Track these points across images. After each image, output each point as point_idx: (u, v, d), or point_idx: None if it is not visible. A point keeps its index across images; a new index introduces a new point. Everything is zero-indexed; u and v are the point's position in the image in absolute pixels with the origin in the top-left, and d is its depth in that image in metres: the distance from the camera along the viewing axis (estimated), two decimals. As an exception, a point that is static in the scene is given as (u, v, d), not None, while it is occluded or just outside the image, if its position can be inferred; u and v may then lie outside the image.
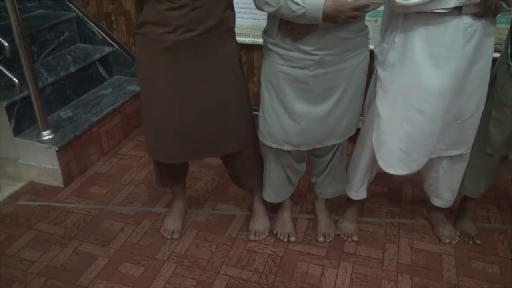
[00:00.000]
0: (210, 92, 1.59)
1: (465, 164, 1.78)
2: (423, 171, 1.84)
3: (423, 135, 1.61)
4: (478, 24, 1.46)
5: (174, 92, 1.56)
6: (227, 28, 1.57)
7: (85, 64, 2.64)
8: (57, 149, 2.16)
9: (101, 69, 2.79)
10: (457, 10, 1.43)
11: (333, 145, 1.73)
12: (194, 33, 1.47)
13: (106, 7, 2.75)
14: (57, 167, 2.20)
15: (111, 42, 2.82)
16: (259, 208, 1.95)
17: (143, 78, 1.62)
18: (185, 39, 1.47)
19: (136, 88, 2.74)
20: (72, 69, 2.53)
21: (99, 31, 2.81)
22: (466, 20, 1.44)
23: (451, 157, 1.74)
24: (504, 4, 1.42)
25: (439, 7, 1.42)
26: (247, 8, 2.23)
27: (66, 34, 2.77)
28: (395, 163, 1.68)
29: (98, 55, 2.72)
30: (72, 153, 2.27)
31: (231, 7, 1.59)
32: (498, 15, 1.50)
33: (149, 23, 1.48)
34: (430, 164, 1.77)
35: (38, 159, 2.22)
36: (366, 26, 1.57)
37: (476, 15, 1.44)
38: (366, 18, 1.60)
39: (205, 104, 1.60)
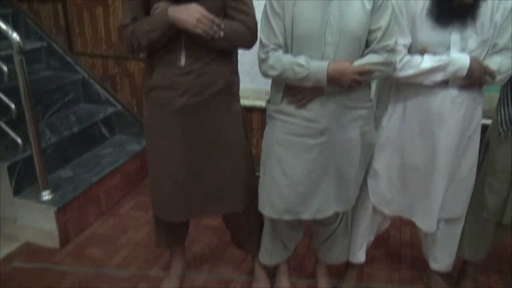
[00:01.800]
0: (215, 153, 1.67)
1: (461, 226, 1.81)
2: (422, 234, 1.87)
3: (419, 190, 1.70)
4: (465, 95, 1.56)
5: (180, 152, 1.64)
6: (232, 92, 1.67)
7: (88, 124, 2.73)
8: (55, 209, 2.18)
9: (103, 129, 2.88)
10: (444, 83, 1.54)
11: (338, 214, 1.73)
12: (201, 97, 1.58)
13: (111, 70, 2.89)
14: (54, 228, 2.21)
15: (115, 102, 2.93)
16: (260, 272, 1.95)
17: (151, 140, 1.70)
18: (192, 103, 1.58)
19: (136, 147, 2.82)
20: (75, 129, 2.62)
21: (104, 92, 2.93)
22: (453, 91, 1.55)
23: (447, 220, 1.78)
24: (488, 77, 1.53)
25: (427, 80, 1.54)
26: (247, 72, 2.36)
27: (71, 95, 2.89)
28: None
29: (101, 115, 2.82)
30: (70, 214, 2.29)
31: (236, 72, 1.70)
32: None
33: (158, 88, 1.60)
34: None
35: (36, 220, 2.24)
36: (371, 100, 1.63)
37: (462, 87, 1.55)
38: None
39: (209, 165, 1.68)
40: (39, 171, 2.24)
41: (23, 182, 2.31)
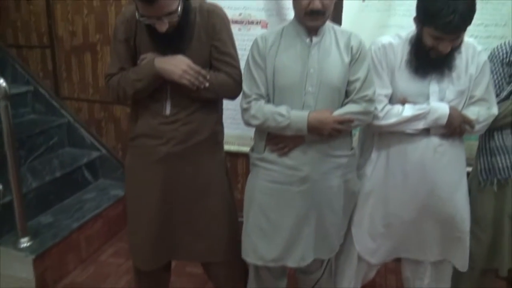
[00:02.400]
0: (196, 202, 1.66)
1: (449, 271, 1.79)
2: (410, 282, 1.85)
3: (402, 236, 1.70)
4: (447, 144, 1.59)
5: (160, 199, 1.62)
6: (216, 141, 1.69)
7: (71, 168, 2.70)
8: (33, 257, 2.12)
9: (86, 173, 2.85)
10: (426, 131, 1.58)
11: (322, 262, 1.73)
12: (185, 145, 1.59)
13: (97, 114, 2.90)
14: (31, 276, 2.13)
15: (99, 146, 2.92)
16: None
17: (131, 186, 1.69)
18: (176, 151, 1.58)
19: (120, 192, 2.78)
20: (57, 174, 2.59)
21: (89, 136, 2.92)
22: (435, 140, 1.58)
23: (435, 264, 1.76)
24: (467, 127, 1.57)
25: (408, 129, 1.58)
26: (232, 118, 2.40)
27: (56, 138, 2.87)
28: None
29: (85, 160, 2.80)
30: (49, 261, 2.21)
31: (220, 122, 1.73)
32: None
33: (142, 136, 1.61)
34: (415, 272, 1.80)
35: (14, 268, 2.15)
36: (353, 148, 1.66)
37: (444, 136, 1.58)
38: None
39: (189, 213, 1.66)
40: (18, 218, 2.19)
41: (2, 228, 2.24)
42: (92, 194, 2.77)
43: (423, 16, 1.49)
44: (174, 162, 1.59)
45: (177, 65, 1.48)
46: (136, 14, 1.44)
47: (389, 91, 1.60)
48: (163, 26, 1.42)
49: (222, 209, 1.71)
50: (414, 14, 1.55)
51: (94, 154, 2.89)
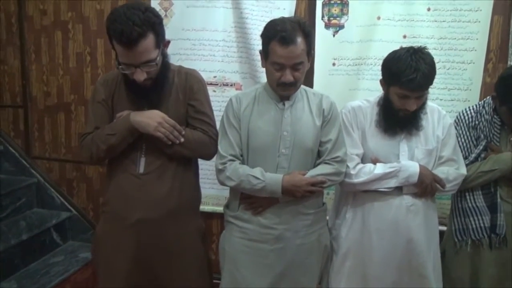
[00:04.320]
0: (171, 272, 1.59)
1: None
2: None
3: None
4: (420, 203, 1.61)
5: (134, 269, 1.56)
6: (192, 207, 1.66)
7: (39, 230, 2.59)
8: (-9, 330, 1.98)
9: (55, 235, 2.73)
10: (399, 190, 1.60)
11: None
12: (158, 211, 1.54)
13: (69, 174, 2.84)
14: None
15: (70, 207, 2.83)
16: None
17: (102, 254, 1.61)
18: (149, 217, 1.53)
19: (89, 255, 2.66)
20: (24, 237, 2.47)
21: (59, 196, 2.84)
22: (407, 199, 1.60)
23: None
24: (438, 186, 1.60)
25: (381, 187, 1.60)
26: (207, 178, 2.38)
27: (24, 199, 2.77)
28: None
29: (54, 221, 2.70)
30: (8, 334, 2.07)
31: (197, 186, 1.71)
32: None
33: (114, 200, 1.56)
34: None
35: None
36: (324, 203, 1.69)
37: (416, 195, 1.61)
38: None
39: (162, 283, 1.60)
40: (-22, 285, 2.05)
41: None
42: (60, 257, 2.64)
43: (388, 76, 1.57)
44: (147, 229, 1.54)
45: (152, 118, 1.48)
46: (116, 65, 1.46)
47: (360, 151, 1.65)
48: (141, 75, 1.43)
49: (197, 279, 1.66)
50: (380, 77, 1.63)
51: (64, 215, 2.79)
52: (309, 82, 2.21)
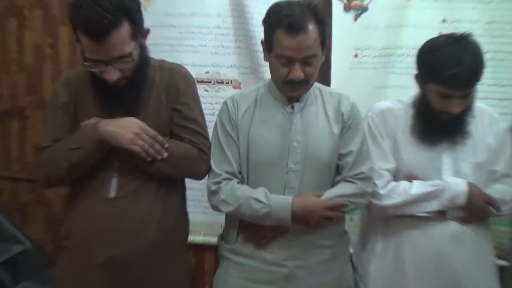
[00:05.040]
0: None
1: None
2: None
3: None
4: (468, 231, 1.59)
5: None
6: (177, 240, 1.64)
7: (-17, 269, 2.59)
8: None
9: (3, 275, 2.71)
10: (442, 215, 1.59)
11: None
12: (134, 246, 1.51)
13: (22, 196, 2.82)
14: None
15: (23, 239, 2.81)
16: None
17: None
18: (122, 254, 1.50)
19: (48, 300, 2.65)
20: (-36, 278, 2.47)
21: (9, 225, 2.82)
22: (453, 226, 1.59)
23: None
24: (492, 209, 1.59)
25: (419, 211, 1.59)
26: (198, 201, 2.37)
27: (-35, 229, 2.77)
28: None
29: (2, 257, 2.68)
30: None
31: (182, 213, 1.69)
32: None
33: (78, 232, 1.53)
34: None
35: None
36: (346, 232, 1.68)
37: (463, 221, 1.59)
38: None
39: None
40: None
41: None
42: (10, 303, 2.63)
43: (425, 70, 1.57)
44: (119, 269, 1.50)
45: (128, 128, 1.47)
46: (82, 62, 1.44)
47: (391, 165, 1.64)
48: (113, 74, 1.42)
49: None
50: (414, 72, 1.63)
51: (16, 249, 2.77)
52: (325, 79, 2.21)
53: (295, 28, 1.41)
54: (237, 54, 2.39)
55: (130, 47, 1.42)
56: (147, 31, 1.54)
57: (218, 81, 2.42)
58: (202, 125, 1.63)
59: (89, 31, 1.35)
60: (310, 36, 1.42)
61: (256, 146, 1.54)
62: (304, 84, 1.50)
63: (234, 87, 2.40)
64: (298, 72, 1.45)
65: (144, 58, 1.53)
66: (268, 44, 1.49)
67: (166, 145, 1.52)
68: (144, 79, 1.53)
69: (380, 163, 1.62)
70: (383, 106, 1.69)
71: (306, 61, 1.45)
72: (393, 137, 1.65)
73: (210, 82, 2.43)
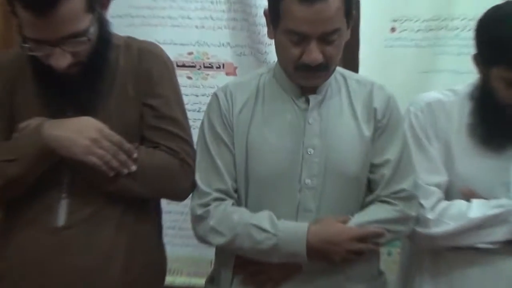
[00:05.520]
0: None
1: None
2: None
3: None
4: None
5: None
6: (149, 281, 1.64)
7: None
8: None
9: None
10: (511, 246, 1.57)
11: None
12: None
13: None
14: None
15: None
16: None
17: None
18: None
19: None
20: None
21: None
22: (527, 263, 1.58)
23: None
24: None
25: (481, 241, 1.57)
26: (179, 228, 2.37)
27: None
28: None
29: None
30: None
31: (158, 247, 1.69)
32: None
33: (16, 270, 1.51)
34: None
35: None
36: (382, 272, 1.67)
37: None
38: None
39: None
40: None
41: None
42: None
43: (488, 50, 1.56)
44: None
45: (82, 132, 1.45)
46: (20, 43, 1.43)
47: (442, 177, 1.63)
48: (62, 60, 1.41)
49: None
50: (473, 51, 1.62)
51: None
52: (351, 63, 2.22)
53: None
54: (231, 29, 2.41)
55: (85, 22, 1.41)
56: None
57: (206, 65, 2.43)
58: (184, 126, 1.62)
59: (29, 2, 1.33)
60: (331, 5, 1.41)
61: (258, 154, 1.54)
62: (323, 70, 1.49)
63: (227, 74, 2.42)
64: (315, 54, 1.44)
65: (104, 36, 1.52)
66: (274, 15, 1.48)
67: (135, 155, 1.51)
68: (104, 64, 1.53)
69: (427, 176, 1.61)
70: (430, 99, 1.68)
71: (325, 39, 1.44)
72: (444, 140, 1.64)
73: (194, 66, 2.43)
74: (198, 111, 2.16)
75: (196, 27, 2.41)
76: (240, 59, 2.41)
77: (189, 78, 2.41)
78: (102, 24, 1.51)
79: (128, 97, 1.57)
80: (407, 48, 2.26)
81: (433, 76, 2.23)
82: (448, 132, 1.64)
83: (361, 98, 1.58)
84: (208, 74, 2.43)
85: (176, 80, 1.67)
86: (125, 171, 1.50)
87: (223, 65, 2.43)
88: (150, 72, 1.59)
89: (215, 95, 1.61)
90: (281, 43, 1.49)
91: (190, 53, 2.43)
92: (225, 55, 2.42)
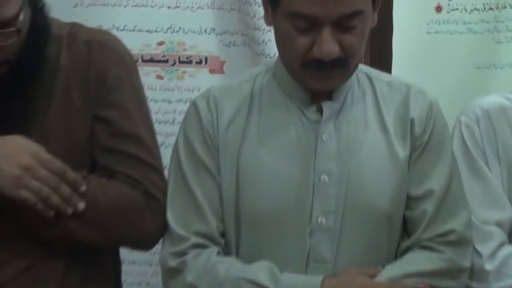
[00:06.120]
0: None
1: None
2: None
3: None
4: None
5: None
6: None
7: None
8: None
9: None
10: None
11: None
12: None
13: None
14: None
15: None
16: None
17: None
18: None
19: None
20: None
21: None
22: None
23: None
24: None
25: None
26: (146, 284, 2.37)
27: None
28: None
29: None
30: None
31: None
32: None
33: None
34: None
35: None
36: None
37: None
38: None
39: None
40: None
41: None
42: None
43: None
44: None
45: (10, 157, 1.45)
46: None
47: (506, 213, 1.66)
48: None
49: None
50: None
51: None
52: (381, 57, 2.24)
53: None
54: (216, 9, 2.43)
55: (11, 7, 1.44)
56: None
57: (183, 59, 2.45)
58: (150, 146, 1.64)
59: None
60: None
61: (253, 184, 1.54)
62: (340, 67, 1.48)
63: (212, 71, 2.43)
64: (328, 45, 1.42)
65: (39, 25, 1.54)
66: None
67: (83, 188, 1.52)
68: (40, 63, 1.54)
69: (485, 212, 1.63)
70: (489, 105, 1.71)
71: (343, 24, 1.43)
72: (508, 162, 1.67)
73: (167, 61, 2.44)
74: (172, 123, 2.18)
75: (168, 7, 2.42)
76: (228, 50, 2.43)
77: (160, 77, 2.40)
78: (37, 8, 1.53)
79: (73, 108, 1.57)
80: (457, 34, 2.28)
81: (493, 73, 2.24)
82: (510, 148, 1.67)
83: (394, 106, 1.59)
84: (185, 72, 2.43)
85: (140, 83, 1.68)
86: (70, 210, 1.49)
87: (206, 59, 2.44)
88: (103, 74, 1.59)
89: (194, 104, 1.62)
90: (283, 31, 1.48)
91: (161, 43, 2.43)
92: (208, 46, 2.44)
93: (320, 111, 1.56)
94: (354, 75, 1.58)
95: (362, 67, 1.64)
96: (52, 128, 1.56)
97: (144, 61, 2.16)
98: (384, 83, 1.64)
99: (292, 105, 1.59)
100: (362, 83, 1.62)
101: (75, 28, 1.65)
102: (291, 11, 1.43)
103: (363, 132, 1.57)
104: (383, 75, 1.68)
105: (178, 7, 2.44)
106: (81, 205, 1.51)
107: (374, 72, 1.67)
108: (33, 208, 1.46)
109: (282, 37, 1.51)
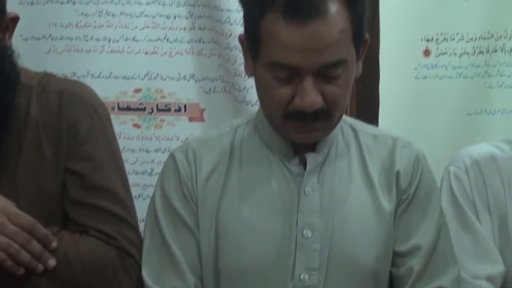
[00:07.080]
0: None
1: None
2: None
3: None
4: None
5: None
6: None
7: None
8: None
9: None
10: None
11: None
12: None
13: None
14: None
15: None
16: None
17: None
18: None
19: None
20: None
21: None
22: None
23: None
24: None
25: None
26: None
27: None
28: None
29: None
30: None
31: None
32: None
33: None
34: None
35: None
36: None
37: None
38: None
39: None
40: None
41: None
42: None
43: None
44: None
45: None
46: None
47: (497, 267, 1.67)
48: None
49: None
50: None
51: None
52: (367, 106, 2.24)
53: (301, 9, 1.41)
54: (195, 54, 2.45)
55: None
56: (14, 18, 1.58)
57: (161, 107, 2.46)
58: (124, 200, 1.64)
59: None
60: (331, 25, 1.42)
61: (233, 240, 1.55)
62: (323, 119, 1.49)
63: (191, 119, 2.44)
64: (310, 95, 1.43)
65: (7, 74, 1.55)
66: (253, 41, 1.50)
67: (54, 244, 1.52)
68: (8, 114, 1.55)
69: (475, 266, 1.65)
70: (478, 155, 1.73)
71: (325, 74, 1.44)
72: (498, 214, 1.69)
73: (144, 109, 2.45)
74: (150, 174, 2.18)
75: (146, 52, 2.44)
76: (208, 97, 2.44)
77: (137, 126, 2.41)
78: (5, 55, 1.53)
79: (44, 160, 1.58)
80: (447, 79, 2.31)
81: (485, 119, 2.26)
82: (504, 201, 1.69)
83: (379, 159, 1.61)
84: (163, 120, 2.43)
85: (113, 135, 1.70)
86: (40, 267, 1.49)
87: (185, 106, 2.45)
88: (75, 125, 1.60)
89: (172, 157, 1.63)
90: (264, 82, 1.49)
91: (138, 90, 2.44)
92: (187, 93, 2.45)
93: (303, 163, 1.57)
94: (338, 126, 1.58)
95: (347, 118, 1.65)
96: (22, 181, 1.56)
97: (120, 109, 2.16)
98: (370, 136, 1.65)
99: (274, 158, 1.59)
100: (346, 135, 1.63)
101: (46, 78, 1.66)
102: (272, 61, 1.44)
103: (348, 185, 1.58)
104: (369, 127, 1.69)
105: (155, 52, 2.46)
106: (52, 262, 1.51)
107: (359, 124, 1.68)
108: (2, 265, 1.45)
109: (263, 87, 1.51)
